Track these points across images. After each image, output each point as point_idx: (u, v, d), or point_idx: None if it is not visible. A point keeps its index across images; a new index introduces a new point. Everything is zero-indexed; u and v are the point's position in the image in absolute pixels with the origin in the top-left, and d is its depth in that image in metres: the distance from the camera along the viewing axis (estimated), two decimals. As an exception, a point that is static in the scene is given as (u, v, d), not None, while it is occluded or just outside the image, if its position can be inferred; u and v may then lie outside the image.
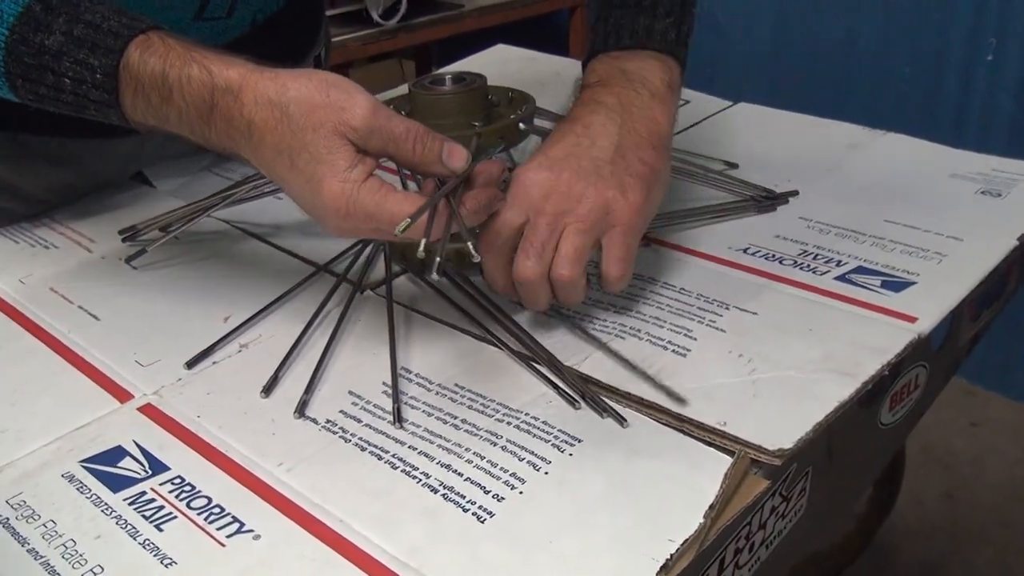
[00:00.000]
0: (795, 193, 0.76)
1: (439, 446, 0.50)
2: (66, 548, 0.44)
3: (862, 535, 1.29)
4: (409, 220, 0.49)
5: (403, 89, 0.68)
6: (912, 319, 0.58)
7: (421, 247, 0.50)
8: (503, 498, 0.46)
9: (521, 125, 0.66)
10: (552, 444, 0.50)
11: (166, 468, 0.50)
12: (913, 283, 0.62)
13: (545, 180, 0.57)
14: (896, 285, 0.62)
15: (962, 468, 1.70)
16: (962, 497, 1.64)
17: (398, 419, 0.52)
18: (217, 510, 0.47)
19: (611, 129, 0.59)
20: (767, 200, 0.75)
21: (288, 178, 0.52)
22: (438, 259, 0.50)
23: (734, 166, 0.81)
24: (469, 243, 0.50)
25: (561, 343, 0.58)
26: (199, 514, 0.46)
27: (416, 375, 0.56)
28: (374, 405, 0.54)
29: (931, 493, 1.64)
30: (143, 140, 0.81)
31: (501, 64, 1.09)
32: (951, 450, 1.74)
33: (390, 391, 0.54)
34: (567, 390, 0.54)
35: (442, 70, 0.73)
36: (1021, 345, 1.81)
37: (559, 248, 0.56)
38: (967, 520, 1.58)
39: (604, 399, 0.53)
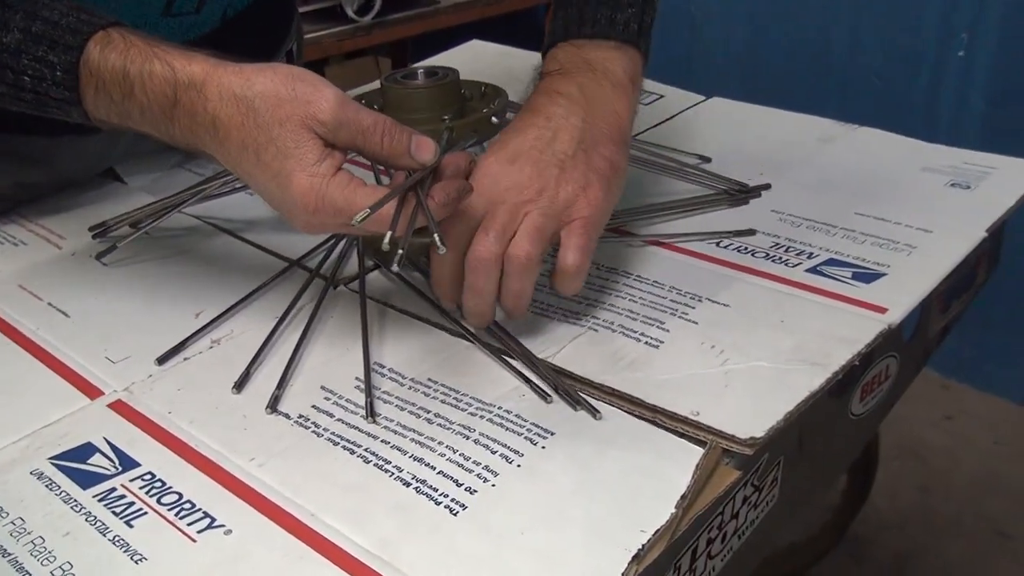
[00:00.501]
0: (767, 187, 0.76)
1: (412, 440, 0.50)
2: (35, 545, 0.44)
3: (837, 527, 1.30)
4: (368, 210, 0.49)
5: (377, 85, 0.68)
6: (882, 310, 0.59)
7: (386, 240, 0.49)
8: (476, 491, 0.46)
9: (494, 119, 0.66)
10: (525, 437, 0.50)
11: (136, 464, 0.49)
12: (883, 275, 0.63)
13: (507, 172, 0.57)
14: (867, 277, 0.63)
15: (936, 461, 1.72)
16: (936, 489, 1.65)
17: (371, 414, 0.52)
18: (188, 506, 0.46)
19: (573, 122, 0.59)
20: (740, 193, 0.75)
21: (255, 174, 0.51)
22: (400, 251, 0.49)
23: (707, 160, 0.81)
24: (436, 235, 0.50)
25: (534, 337, 0.58)
26: (170, 510, 0.46)
27: (389, 370, 0.56)
28: (347, 400, 0.54)
29: (906, 485, 1.66)
30: (113, 138, 0.81)
31: (475, 60, 1.09)
32: (925, 443, 1.76)
33: (363, 386, 0.54)
34: (539, 384, 0.54)
35: (415, 65, 0.73)
36: (994, 339, 1.82)
37: (519, 228, 0.55)
38: (941, 512, 1.60)
39: (578, 392, 0.53)
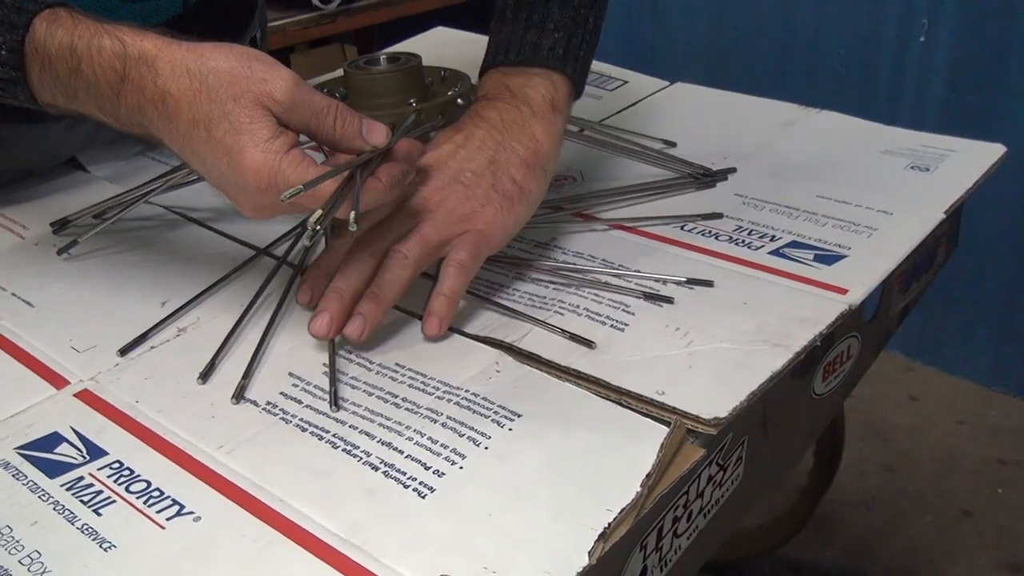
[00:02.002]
0: (732, 170, 0.77)
1: (380, 425, 0.50)
2: (2, 535, 0.44)
3: (805, 507, 1.32)
4: (302, 187, 0.49)
5: (340, 73, 0.68)
6: (843, 291, 0.60)
7: (312, 217, 0.49)
8: (444, 474, 0.47)
9: (459, 101, 0.66)
10: (492, 420, 0.50)
11: (104, 453, 0.49)
12: (844, 256, 0.64)
13: (414, 182, 0.58)
14: (828, 258, 0.64)
15: (901, 440, 1.75)
16: (901, 468, 1.68)
17: (334, 402, 0.52)
18: (156, 493, 0.46)
19: (489, 144, 0.60)
20: (705, 178, 0.76)
21: (203, 152, 0.51)
22: (319, 229, 0.50)
23: (672, 144, 0.82)
24: (353, 212, 0.50)
25: (500, 321, 0.59)
26: (138, 498, 0.46)
27: (357, 355, 0.56)
28: (314, 386, 0.54)
29: (872, 465, 1.68)
30: (72, 126, 0.80)
31: (440, 46, 1.09)
32: (891, 423, 1.79)
33: (336, 374, 0.54)
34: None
35: (377, 52, 0.73)
36: (957, 321, 1.85)
37: (409, 232, 0.57)
38: (906, 490, 1.62)
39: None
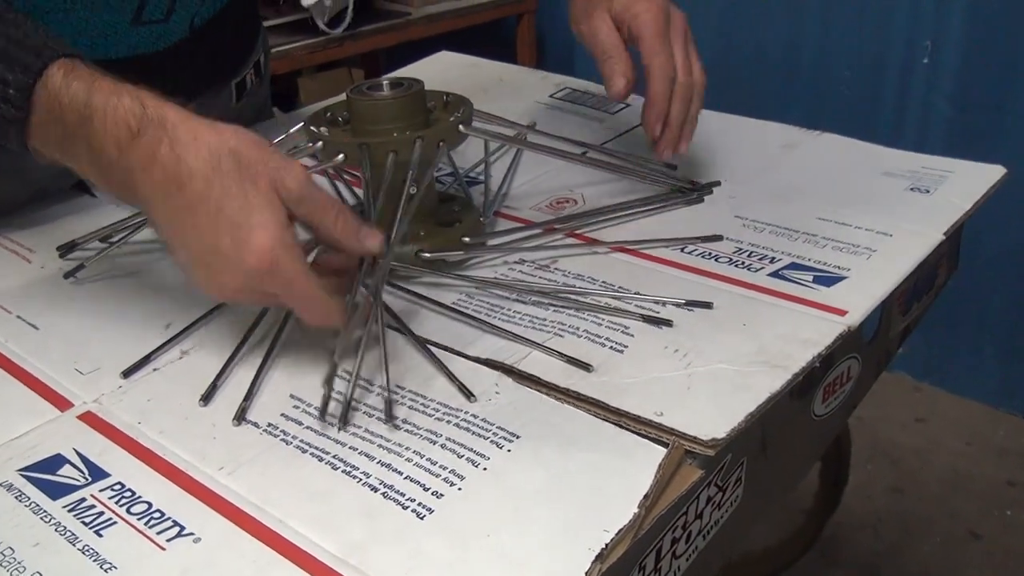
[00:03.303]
0: (717, 183, 0.77)
1: (379, 446, 0.51)
2: (4, 556, 0.44)
3: (811, 530, 1.32)
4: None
5: (344, 97, 0.69)
6: (842, 312, 0.60)
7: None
8: (442, 495, 0.47)
9: (461, 127, 0.67)
10: (491, 441, 0.51)
11: (106, 475, 0.50)
12: (844, 278, 0.64)
13: None
14: (827, 280, 0.64)
15: (909, 462, 1.74)
16: (909, 490, 1.67)
17: (343, 422, 0.52)
18: (157, 514, 0.47)
19: None
20: (691, 191, 0.76)
21: (203, 225, 0.50)
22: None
23: (672, 167, 0.82)
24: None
25: (500, 343, 0.59)
26: (139, 519, 0.47)
27: (357, 377, 0.57)
28: (315, 408, 0.54)
29: (879, 487, 1.68)
30: None
31: (444, 71, 1.10)
32: (898, 444, 1.78)
33: (337, 395, 0.54)
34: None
35: (380, 77, 0.74)
36: (963, 342, 1.85)
37: None
38: (914, 512, 1.62)
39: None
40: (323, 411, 0.53)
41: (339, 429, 0.52)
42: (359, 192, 0.74)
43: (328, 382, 0.53)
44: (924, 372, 1.93)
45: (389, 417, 0.52)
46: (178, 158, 0.50)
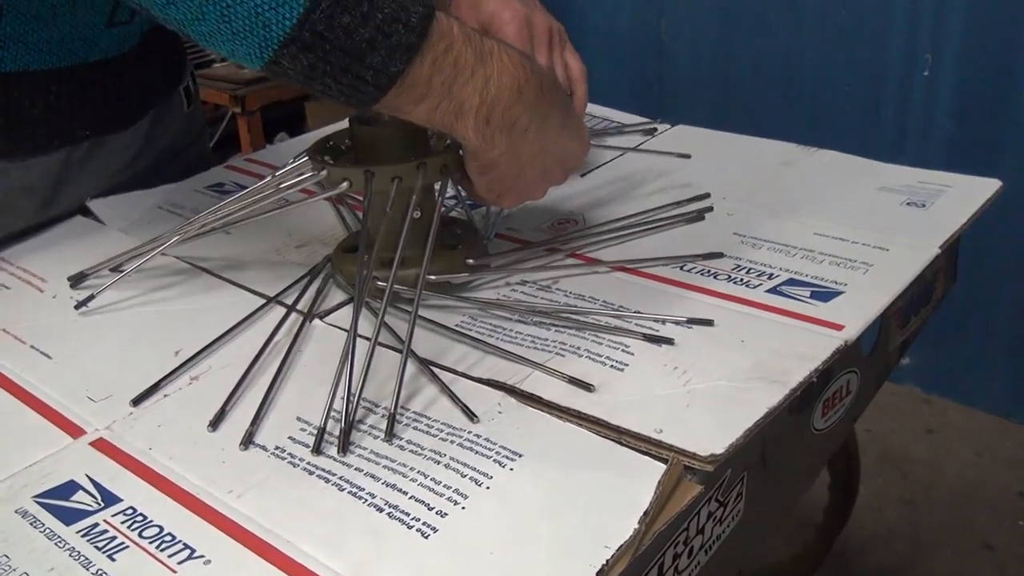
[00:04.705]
0: (707, 195, 0.79)
1: (384, 467, 0.52)
2: (20, 581, 0.46)
3: (822, 544, 1.32)
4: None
5: (346, 124, 0.70)
6: (839, 327, 0.61)
7: None
8: (446, 514, 0.48)
9: (460, 151, 0.68)
10: (494, 460, 0.52)
11: (118, 500, 0.51)
12: (841, 292, 0.65)
13: None
14: (824, 295, 0.65)
15: (919, 474, 1.74)
16: (920, 502, 1.67)
17: (343, 448, 0.53)
18: (169, 538, 0.48)
19: None
20: (687, 203, 0.78)
21: (560, 138, 0.63)
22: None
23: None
24: None
25: (503, 364, 0.60)
26: (151, 543, 0.48)
27: (363, 399, 0.58)
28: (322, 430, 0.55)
29: (890, 499, 1.68)
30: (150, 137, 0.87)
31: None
32: (908, 456, 1.78)
33: (338, 415, 0.56)
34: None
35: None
36: (972, 353, 1.85)
37: None
38: (926, 524, 1.62)
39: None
40: (317, 445, 0.54)
41: (340, 452, 0.53)
42: (360, 216, 0.75)
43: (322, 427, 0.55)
44: (933, 384, 1.94)
45: (389, 434, 0.54)
46: (540, 85, 0.59)
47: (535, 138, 0.61)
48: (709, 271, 0.70)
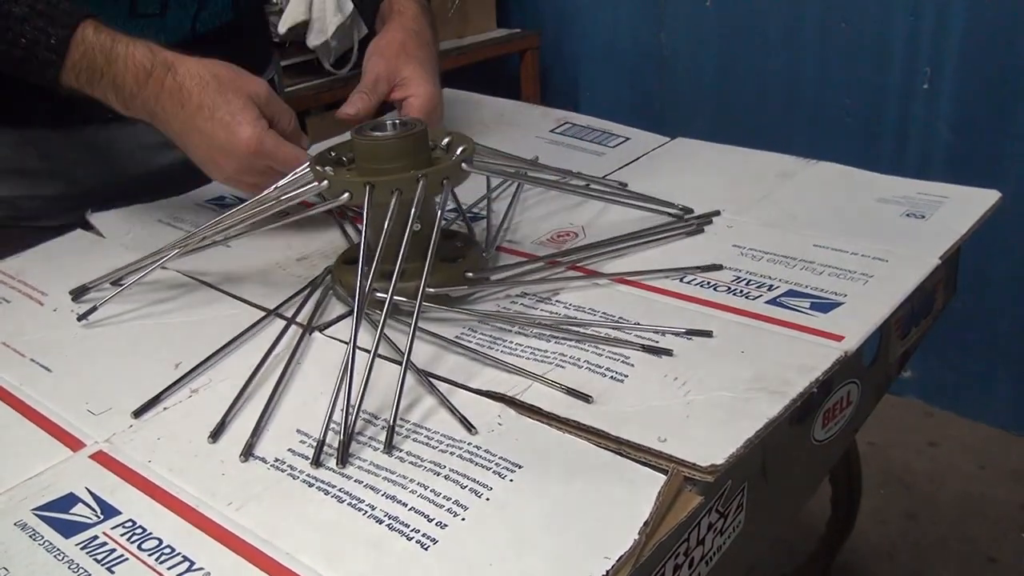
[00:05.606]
0: (717, 213, 0.79)
1: (384, 478, 0.52)
2: (19, 594, 0.45)
3: (825, 557, 1.31)
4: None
5: (348, 136, 0.70)
6: (839, 338, 0.61)
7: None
8: (446, 525, 0.48)
9: (464, 165, 0.68)
10: (494, 471, 0.51)
11: (117, 512, 0.51)
12: (840, 304, 0.65)
13: None
14: (824, 306, 0.65)
15: (922, 487, 1.74)
16: (923, 515, 1.67)
17: (342, 460, 0.53)
18: (168, 551, 0.48)
19: None
20: (688, 214, 0.78)
21: (204, 127, 0.72)
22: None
23: (674, 205, 0.84)
24: None
25: (503, 376, 0.60)
26: (150, 555, 0.47)
27: (362, 411, 0.58)
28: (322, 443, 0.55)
29: (893, 512, 1.67)
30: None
31: (446, 107, 1.12)
32: (911, 470, 1.78)
33: (337, 427, 0.56)
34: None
35: (383, 117, 0.76)
36: (974, 365, 1.85)
37: None
38: (929, 537, 1.61)
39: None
40: (316, 457, 0.54)
41: (339, 464, 0.53)
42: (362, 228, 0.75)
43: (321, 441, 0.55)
44: (935, 397, 1.93)
45: (388, 446, 0.53)
46: (180, 85, 0.72)
47: (183, 120, 0.73)
48: (709, 283, 0.70)
